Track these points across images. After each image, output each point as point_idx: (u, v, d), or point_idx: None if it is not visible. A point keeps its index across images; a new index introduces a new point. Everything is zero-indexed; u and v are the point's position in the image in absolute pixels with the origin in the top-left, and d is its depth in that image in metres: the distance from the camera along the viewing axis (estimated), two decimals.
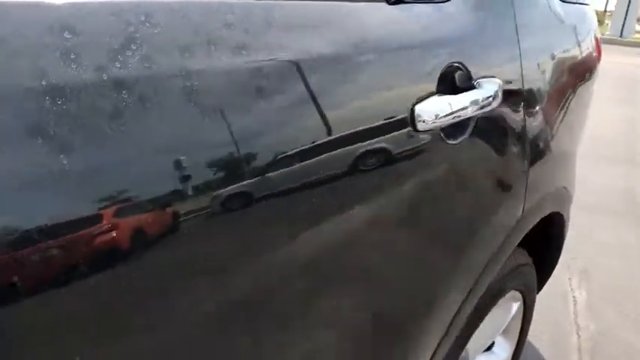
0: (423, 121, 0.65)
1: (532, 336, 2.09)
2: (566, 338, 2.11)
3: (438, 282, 0.83)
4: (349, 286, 0.65)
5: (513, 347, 1.51)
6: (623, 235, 3.00)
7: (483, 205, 0.86)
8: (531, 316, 1.51)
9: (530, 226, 1.06)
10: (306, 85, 0.52)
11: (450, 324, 0.89)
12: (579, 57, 1.22)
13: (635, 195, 3.59)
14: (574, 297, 2.38)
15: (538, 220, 1.09)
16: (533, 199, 1.01)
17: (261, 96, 0.48)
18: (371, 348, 0.78)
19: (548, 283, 2.41)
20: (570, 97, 1.16)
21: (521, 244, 1.32)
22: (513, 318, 1.44)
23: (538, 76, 0.97)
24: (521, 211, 0.97)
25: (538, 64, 0.97)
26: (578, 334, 2.14)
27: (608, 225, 3.10)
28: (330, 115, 0.54)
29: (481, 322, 1.11)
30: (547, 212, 1.13)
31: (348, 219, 0.59)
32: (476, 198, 0.84)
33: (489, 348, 1.48)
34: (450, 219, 0.80)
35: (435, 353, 0.95)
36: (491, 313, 1.30)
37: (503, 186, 0.90)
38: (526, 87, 0.91)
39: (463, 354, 1.26)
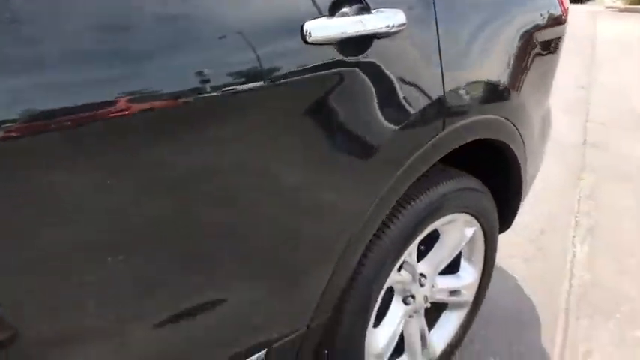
0: (313, 36, 0.87)
1: (524, 281, 2.24)
2: (558, 284, 2.23)
3: (343, 188, 1.01)
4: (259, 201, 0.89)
5: (479, 273, 1.68)
6: None
7: (390, 120, 1.04)
8: (494, 244, 1.67)
9: (453, 147, 1.23)
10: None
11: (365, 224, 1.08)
12: None
13: None
14: (574, 251, 2.47)
15: (463, 142, 1.25)
16: (454, 122, 1.18)
17: None
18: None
19: (550, 238, 2.52)
20: (502, 28, 1.32)
21: (472, 171, 1.50)
22: (473, 243, 1.61)
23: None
24: (436, 131, 1.15)
25: None
26: (570, 281, 2.25)
27: (632, 190, 3.11)
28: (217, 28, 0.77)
29: (416, 236, 1.30)
30: (476, 137, 1.29)
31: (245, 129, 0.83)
32: (380, 113, 1.02)
33: (455, 272, 1.66)
34: (351, 130, 0.98)
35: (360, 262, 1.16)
36: (442, 235, 1.49)
37: (412, 105, 1.08)
38: (439, 15, 1.10)
39: (423, 278, 1.46)
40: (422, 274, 1.48)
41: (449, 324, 1.69)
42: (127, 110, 0.67)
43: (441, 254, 1.51)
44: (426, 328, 1.59)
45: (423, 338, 1.60)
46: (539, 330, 1.97)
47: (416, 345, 1.56)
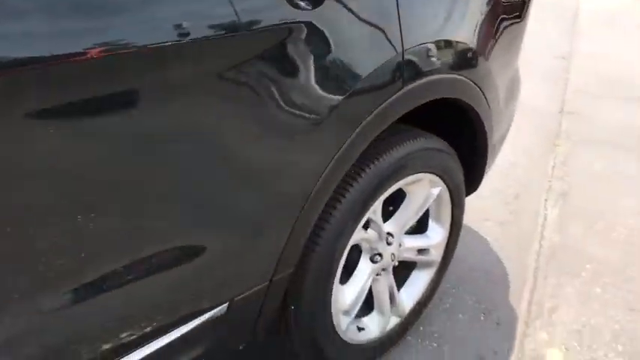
0: None
1: (496, 243, 2.29)
2: (529, 246, 2.29)
3: (298, 145, 1.02)
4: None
5: (446, 233, 1.72)
6: (618, 165, 3.07)
7: (346, 77, 1.05)
8: (461, 205, 1.71)
9: (412, 105, 1.24)
10: None
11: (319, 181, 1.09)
12: None
13: None
14: (546, 214, 2.53)
15: (423, 101, 1.27)
16: (413, 80, 1.20)
17: None
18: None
19: (524, 202, 2.57)
20: None
21: (438, 133, 1.52)
22: (439, 203, 1.65)
23: None
24: (395, 89, 1.16)
25: None
26: (540, 243, 2.31)
27: (607, 156, 3.16)
28: None
29: (380, 194, 1.33)
30: (436, 96, 1.31)
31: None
32: (335, 70, 1.03)
33: (423, 232, 1.70)
34: (306, 87, 0.99)
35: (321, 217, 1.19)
36: (408, 194, 1.52)
37: (369, 63, 1.09)
38: None
39: (390, 237, 1.50)
40: (389, 233, 1.52)
41: (418, 282, 1.74)
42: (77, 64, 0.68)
43: (407, 214, 1.54)
44: (395, 286, 1.64)
45: (392, 296, 1.64)
46: (507, 288, 2.03)
47: (384, 302, 1.61)
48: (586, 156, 3.17)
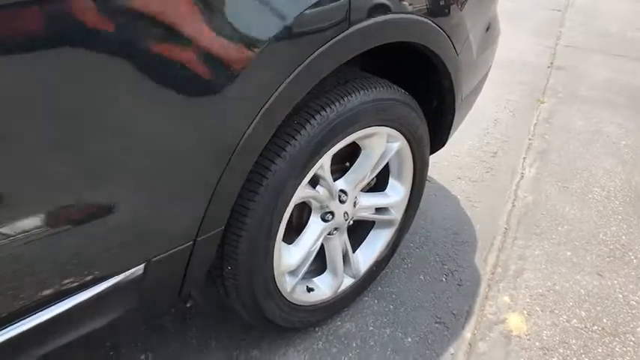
0: None
1: (468, 200, 2.20)
2: (501, 205, 2.20)
3: (218, 92, 0.89)
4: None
5: (407, 191, 1.61)
6: (601, 123, 2.95)
7: (279, 16, 0.91)
8: (424, 162, 1.60)
9: (361, 48, 1.09)
10: None
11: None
12: None
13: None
14: (522, 173, 2.43)
15: (375, 44, 1.13)
16: (362, 20, 1.05)
17: None
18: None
19: (501, 160, 2.47)
20: None
21: (401, 84, 1.39)
22: (400, 160, 1.54)
23: None
24: (339, 30, 1.01)
25: None
26: (513, 203, 2.23)
27: (591, 114, 3.04)
28: None
29: (327, 148, 1.20)
30: (392, 39, 1.17)
31: None
32: (266, 7, 0.90)
33: (383, 190, 1.59)
34: (233, 25, 0.85)
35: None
36: (363, 150, 1.40)
37: None
38: None
39: (344, 195, 1.39)
40: (342, 191, 1.41)
41: (375, 242, 1.65)
42: None
43: (362, 170, 1.43)
44: (349, 246, 1.55)
45: (346, 256, 1.56)
46: (474, 249, 1.95)
47: (337, 263, 1.52)
48: (570, 113, 3.05)
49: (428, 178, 2.38)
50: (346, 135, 1.25)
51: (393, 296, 1.73)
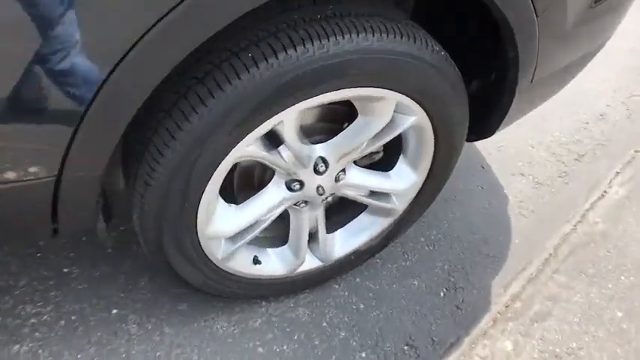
0: None
1: (519, 205, 1.79)
2: (558, 224, 1.73)
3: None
4: None
5: (420, 180, 1.23)
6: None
7: None
8: (451, 149, 1.19)
9: None
10: None
11: None
12: None
13: None
14: (605, 191, 1.90)
15: None
16: None
17: None
18: None
19: (584, 165, 1.95)
20: None
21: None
22: (415, 139, 1.15)
23: None
24: None
25: None
26: (575, 225, 1.75)
27: None
28: None
29: (282, 101, 0.86)
30: None
31: None
32: None
33: (384, 170, 1.23)
34: None
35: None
36: (359, 114, 1.04)
37: None
38: None
39: (322, 165, 1.06)
40: (323, 159, 1.08)
41: (362, 229, 1.32)
42: None
43: (353, 140, 1.07)
44: (322, 226, 1.23)
45: (315, 235, 1.25)
46: (497, 269, 1.56)
47: (301, 240, 1.22)
48: None
49: (483, 164, 1.94)
50: (323, 90, 0.89)
51: (370, 294, 1.42)
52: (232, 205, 1.08)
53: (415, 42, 0.94)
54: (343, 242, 1.31)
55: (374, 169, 1.23)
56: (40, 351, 1.16)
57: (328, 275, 1.36)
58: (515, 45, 1.00)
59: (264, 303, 1.34)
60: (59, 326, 1.21)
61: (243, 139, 0.90)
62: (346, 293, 1.41)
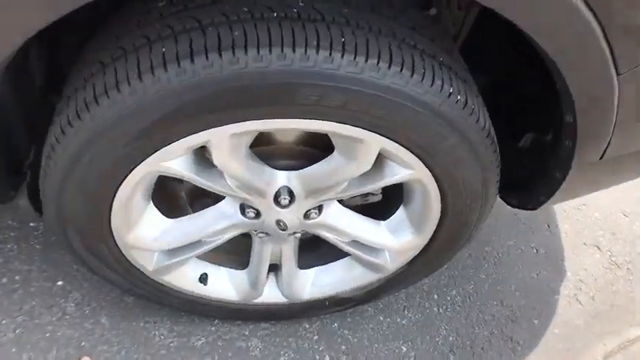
0: None
1: (582, 288, 1.43)
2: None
3: None
4: None
5: (421, 241, 0.95)
6: None
7: None
8: (463, 219, 0.89)
9: None
10: None
11: None
12: None
13: None
14: None
15: None
16: None
17: None
18: None
19: None
20: None
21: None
22: (418, 195, 0.87)
23: None
24: None
25: None
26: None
27: None
28: None
29: (209, 116, 0.63)
30: None
31: None
32: None
33: (382, 218, 0.96)
34: None
35: None
36: (336, 148, 0.78)
37: None
38: None
39: (285, 197, 0.83)
40: (288, 190, 0.85)
41: (343, 276, 1.08)
42: None
43: (326, 177, 0.83)
44: (290, 260, 1.02)
45: (278, 269, 1.04)
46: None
47: (259, 272, 1.02)
48: None
49: (550, 223, 1.57)
50: (257, 115, 0.66)
51: (343, 347, 1.19)
52: (168, 218, 0.90)
53: (423, 80, 0.66)
54: (317, 284, 1.08)
55: (367, 213, 0.98)
56: None
57: (297, 313, 1.15)
58: (573, 110, 0.68)
59: (217, 322, 1.17)
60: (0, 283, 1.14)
61: (155, 153, 0.70)
62: (315, 337, 1.19)
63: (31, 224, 1.25)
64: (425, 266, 1.04)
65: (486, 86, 1.01)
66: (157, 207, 0.89)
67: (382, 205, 1.00)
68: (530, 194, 0.94)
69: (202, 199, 0.97)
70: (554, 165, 0.83)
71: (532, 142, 0.91)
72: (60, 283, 1.17)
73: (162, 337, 1.13)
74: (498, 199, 1.07)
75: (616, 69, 0.64)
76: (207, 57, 0.60)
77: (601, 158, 0.81)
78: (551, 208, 1.61)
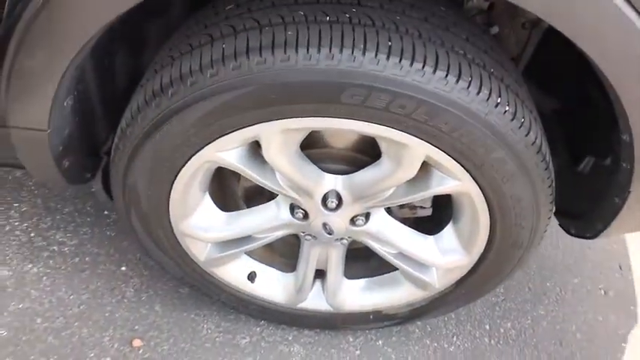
0: None
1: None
2: None
3: None
4: None
5: (469, 260, 0.93)
6: None
7: None
8: (513, 236, 0.86)
9: None
10: None
11: None
12: None
13: None
14: None
15: None
16: None
17: None
18: None
19: None
20: None
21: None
22: (466, 209, 0.86)
23: None
24: None
25: None
26: None
27: None
28: None
29: (260, 111, 0.67)
30: None
31: None
32: None
33: (433, 233, 0.95)
34: None
35: None
36: (383, 154, 0.79)
37: None
38: None
39: (333, 200, 0.86)
40: (337, 194, 0.87)
41: (387, 290, 1.07)
42: None
43: (374, 183, 0.84)
44: (336, 268, 1.03)
45: (325, 277, 1.05)
46: None
47: (306, 275, 1.04)
48: None
49: (623, 264, 1.46)
50: (306, 112, 0.69)
51: None
52: (223, 211, 0.95)
53: (469, 87, 0.66)
54: (361, 295, 1.08)
55: (416, 226, 0.97)
56: (44, 278, 1.20)
57: (340, 324, 1.15)
58: (629, 128, 0.65)
59: (262, 322, 1.20)
60: (72, 262, 1.24)
61: (211, 143, 0.75)
62: (357, 352, 1.18)
63: (106, 212, 1.36)
64: (473, 288, 1.01)
65: (556, 110, 0.99)
66: (213, 201, 0.95)
67: (433, 220, 0.99)
68: (588, 221, 0.89)
69: (257, 197, 1.01)
70: (612, 189, 0.79)
71: (592, 167, 0.87)
72: (123, 268, 1.26)
73: (209, 330, 1.17)
74: (559, 230, 1.02)
75: None
76: (260, 54, 0.65)
77: None
78: (625, 247, 1.50)
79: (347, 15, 0.66)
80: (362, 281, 1.09)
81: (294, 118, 0.70)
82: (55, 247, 1.27)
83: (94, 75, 0.83)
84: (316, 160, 0.86)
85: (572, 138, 0.93)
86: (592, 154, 0.86)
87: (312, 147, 0.87)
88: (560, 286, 1.37)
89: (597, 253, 1.47)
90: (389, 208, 0.96)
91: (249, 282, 1.07)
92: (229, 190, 1.02)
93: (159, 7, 0.90)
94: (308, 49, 0.64)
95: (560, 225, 1.02)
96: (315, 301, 1.10)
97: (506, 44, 0.93)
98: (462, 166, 0.75)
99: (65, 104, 0.76)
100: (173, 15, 0.95)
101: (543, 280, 1.38)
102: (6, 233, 1.28)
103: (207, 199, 0.93)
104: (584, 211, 0.91)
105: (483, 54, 0.70)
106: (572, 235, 0.98)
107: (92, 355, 1.10)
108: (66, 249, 1.27)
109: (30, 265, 1.23)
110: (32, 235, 1.29)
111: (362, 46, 0.63)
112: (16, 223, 1.31)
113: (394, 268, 1.05)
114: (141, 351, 1.12)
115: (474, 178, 0.77)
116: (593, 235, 0.91)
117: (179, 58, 0.72)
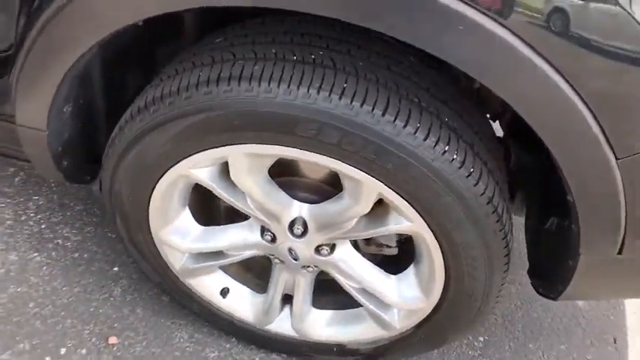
0: None
1: None
2: None
3: None
4: None
5: (427, 303, 0.94)
6: None
7: None
8: (466, 290, 0.87)
9: None
10: None
11: None
12: None
13: None
14: None
15: None
16: None
17: None
18: None
19: None
20: None
21: None
22: (423, 251, 0.88)
23: None
24: None
25: None
26: None
27: None
28: None
29: (232, 134, 0.73)
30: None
31: None
32: None
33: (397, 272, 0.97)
34: None
35: None
36: (344, 187, 0.83)
37: None
38: None
39: (298, 227, 0.91)
40: (303, 221, 0.92)
41: (351, 325, 1.09)
42: None
43: (335, 214, 0.88)
44: (303, 295, 1.06)
45: (292, 302, 1.09)
46: None
47: (273, 298, 1.08)
48: None
49: (618, 337, 1.41)
50: (262, 140, 0.75)
51: None
52: (208, 225, 1.01)
53: (416, 132, 0.70)
54: (327, 326, 1.11)
55: (384, 266, 1.00)
56: (44, 267, 1.30)
57: (305, 351, 1.17)
58: (569, 187, 0.67)
59: (233, 340, 1.23)
60: (71, 257, 1.33)
61: (185, 159, 0.82)
62: None
63: None
64: (434, 335, 1.02)
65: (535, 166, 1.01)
66: (196, 213, 1.01)
67: (400, 261, 1.01)
68: (551, 282, 0.89)
69: (236, 217, 1.07)
70: (568, 252, 0.80)
71: (556, 227, 0.87)
72: (116, 269, 1.33)
73: (181, 339, 1.22)
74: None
75: (614, 154, 0.62)
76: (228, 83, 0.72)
77: (619, 253, 0.76)
78: (624, 319, 1.45)
79: (312, 56, 0.72)
80: (329, 312, 1.11)
81: (256, 144, 0.76)
82: (59, 241, 1.36)
83: (100, 87, 0.93)
84: (289, 188, 0.91)
85: (544, 197, 0.94)
86: (555, 214, 0.87)
87: (286, 175, 0.93)
88: (543, 349, 1.34)
89: (592, 322, 1.43)
90: (356, 242, 0.99)
91: (222, 297, 1.12)
92: (214, 205, 1.08)
93: (169, 32, 0.99)
94: (269, 83, 0.70)
95: (531, 284, 1.02)
96: (283, 324, 1.13)
97: (488, 100, 0.97)
98: (414, 208, 0.78)
99: (65, 110, 0.85)
100: (186, 41, 1.05)
101: (527, 340, 1.35)
102: (22, 222, 1.39)
103: (187, 213, 0.99)
104: (548, 271, 0.91)
105: (441, 104, 0.75)
106: (540, 294, 0.98)
107: (70, 344, 1.17)
108: (69, 244, 1.36)
109: (35, 254, 1.32)
110: (43, 226, 1.39)
111: (318, 85, 0.69)
112: (32, 214, 1.42)
113: (360, 305, 1.07)
114: (115, 348, 1.18)
115: (425, 221, 0.80)
116: (556, 296, 0.90)
117: (165, 80, 0.80)
